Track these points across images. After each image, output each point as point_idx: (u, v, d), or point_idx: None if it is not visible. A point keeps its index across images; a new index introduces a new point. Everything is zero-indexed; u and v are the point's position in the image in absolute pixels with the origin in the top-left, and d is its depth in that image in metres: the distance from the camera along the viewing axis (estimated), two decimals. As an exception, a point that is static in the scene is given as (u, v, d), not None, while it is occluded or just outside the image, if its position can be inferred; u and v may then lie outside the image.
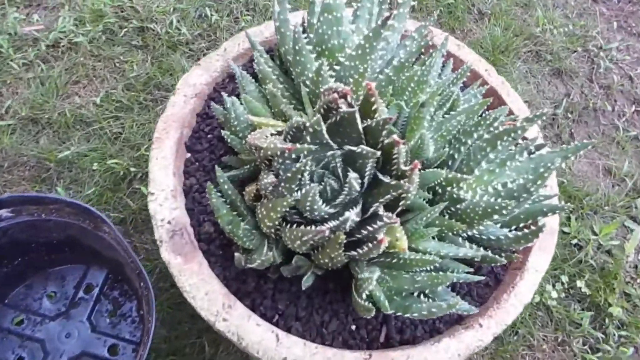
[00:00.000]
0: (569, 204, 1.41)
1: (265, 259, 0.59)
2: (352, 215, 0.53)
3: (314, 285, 0.69)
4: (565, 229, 1.38)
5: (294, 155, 0.54)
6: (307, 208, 0.54)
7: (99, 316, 1.12)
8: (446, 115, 0.63)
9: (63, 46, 1.48)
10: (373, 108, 0.56)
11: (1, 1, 1.51)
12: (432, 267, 0.58)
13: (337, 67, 0.67)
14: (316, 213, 0.55)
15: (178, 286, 0.64)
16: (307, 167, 0.55)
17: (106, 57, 1.49)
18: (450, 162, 0.63)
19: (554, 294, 1.28)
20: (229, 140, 0.69)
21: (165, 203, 0.69)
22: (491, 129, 0.60)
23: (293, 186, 0.54)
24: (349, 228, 0.55)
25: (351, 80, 0.63)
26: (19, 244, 1.01)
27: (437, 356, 0.62)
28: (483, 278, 0.64)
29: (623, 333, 1.26)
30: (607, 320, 1.27)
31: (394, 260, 0.58)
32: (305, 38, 0.66)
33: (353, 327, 0.67)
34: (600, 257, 1.36)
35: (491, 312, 0.66)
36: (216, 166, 0.62)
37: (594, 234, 1.39)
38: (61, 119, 1.36)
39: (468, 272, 0.63)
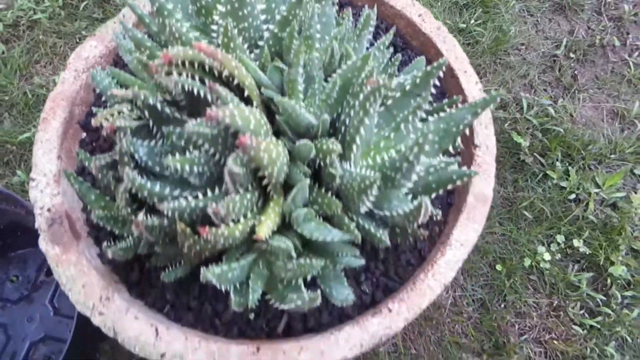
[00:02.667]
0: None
1: (114, 252, 0.52)
2: (193, 204, 0.45)
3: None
4: (563, 183, 1.24)
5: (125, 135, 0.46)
6: (139, 193, 0.47)
7: (61, 299, 1.11)
8: (330, 77, 0.53)
9: (23, 25, 1.44)
10: (225, 74, 0.46)
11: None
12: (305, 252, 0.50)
13: (214, 27, 0.57)
14: (148, 198, 0.47)
15: (54, 274, 0.60)
16: (128, 147, 0.47)
17: (67, 33, 1.44)
18: (343, 130, 0.53)
19: (547, 256, 1.16)
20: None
21: (46, 189, 0.63)
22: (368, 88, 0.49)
23: (127, 169, 0.47)
24: (196, 214, 0.47)
25: (220, 42, 0.53)
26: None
27: (335, 347, 0.55)
28: (362, 263, 0.55)
29: (628, 294, 1.14)
30: (609, 281, 1.15)
31: (265, 247, 0.50)
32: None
33: (251, 317, 0.60)
34: (603, 211, 1.22)
35: (403, 294, 0.57)
36: (79, 149, 0.55)
37: (597, 186, 1.24)
38: (22, 100, 1.33)
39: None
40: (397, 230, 0.56)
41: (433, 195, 0.54)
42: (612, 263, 1.16)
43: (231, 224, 0.46)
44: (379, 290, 0.61)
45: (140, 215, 0.47)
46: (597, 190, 1.23)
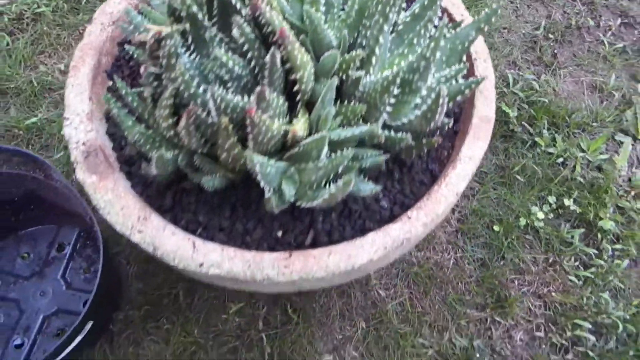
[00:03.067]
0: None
1: (158, 158, 0.56)
2: (236, 99, 0.50)
3: (238, 195, 0.66)
4: (550, 150, 1.32)
5: (174, 42, 0.51)
6: (185, 94, 0.51)
7: (73, 273, 1.13)
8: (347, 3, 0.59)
9: (27, 17, 1.48)
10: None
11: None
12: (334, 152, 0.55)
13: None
14: (196, 98, 0.52)
15: (93, 205, 0.63)
16: (177, 49, 0.51)
17: (70, 25, 1.49)
18: (362, 47, 0.59)
19: (541, 215, 1.23)
20: (132, 53, 0.66)
21: (80, 126, 0.67)
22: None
23: (173, 74, 0.51)
24: (237, 115, 0.52)
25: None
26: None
27: (361, 250, 0.59)
28: (387, 156, 0.60)
29: (617, 247, 1.20)
30: (599, 236, 1.21)
31: (297, 150, 0.55)
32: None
33: (279, 234, 0.65)
34: (589, 173, 1.29)
35: (421, 203, 0.62)
36: (115, 76, 0.60)
37: (582, 151, 1.32)
38: (28, 88, 1.36)
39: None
40: (411, 144, 0.61)
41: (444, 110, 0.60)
42: (601, 219, 1.23)
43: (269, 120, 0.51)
44: (397, 206, 0.66)
45: (190, 108, 0.50)
46: (582, 154, 1.31)
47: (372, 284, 1.15)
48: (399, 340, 1.09)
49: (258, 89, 0.48)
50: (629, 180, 1.30)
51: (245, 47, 0.50)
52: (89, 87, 0.71)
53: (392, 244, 0.60)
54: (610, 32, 1.53)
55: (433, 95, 0.52)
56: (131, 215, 0.62)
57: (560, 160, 1.30)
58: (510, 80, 1.40)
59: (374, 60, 0.54)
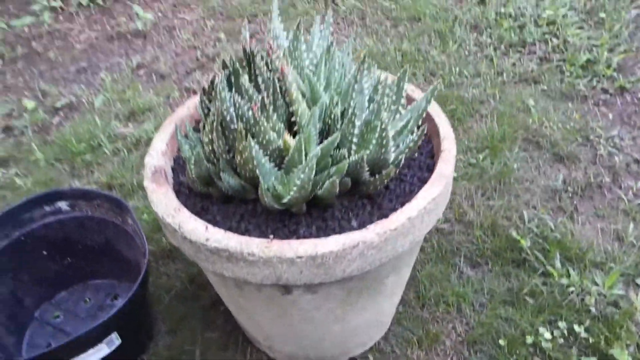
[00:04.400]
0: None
1: (196, 157, 0.82)
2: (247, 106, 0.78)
3: (247, 208, 0.90)
4: (563, 280, 1.38)
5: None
6: (223, 112, 0.80)
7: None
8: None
9: (143, 142, 1.97)
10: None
11: (109, 116, 2.09)
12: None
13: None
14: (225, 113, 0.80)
15: (149, 200, 0.89)
16: (223, 86, 0.82)
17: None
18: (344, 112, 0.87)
19: (548, 335, 1.25)
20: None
21: (155, 157, 0.98)
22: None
23: (217, 102, 0.81)
24: (251, 127, 0.79)
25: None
26: (70, 242, 1.31)
27: (325, 243, 0.77)
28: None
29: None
30: (612, 367, 1.19)
31: (288, 158, 0.79)
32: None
33: (271, 236, 0.84)
34: (604, 307, 1.31)
35: (379, 222, 0.81)
36: (187, 124, 0.91)
37: (596, 284, 1.37)
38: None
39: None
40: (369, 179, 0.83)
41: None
42: (612, 348, 1.21)
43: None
44: (364, 226, 0.85)
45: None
46: (596, 287, 1.35)
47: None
48: None
49: (259, 100, 0.76)
50: (647, 318, 1.29)
51: (261, 83, 0.80)
52: (168, 139, 1.04)
53: (350, 242, 0.77)
54: (631, 192, 1.66)
55: (384, 134, 0.76)
56: (170, 207, 0.87)
57: (572, 289, 1.35)
58: (526, 218, 1.55)
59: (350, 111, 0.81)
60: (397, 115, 0.90)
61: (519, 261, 1.44)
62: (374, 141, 0.81)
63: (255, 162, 0.78)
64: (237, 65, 0.86)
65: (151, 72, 2.36)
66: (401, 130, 0.88)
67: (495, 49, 2.36)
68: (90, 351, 1.04)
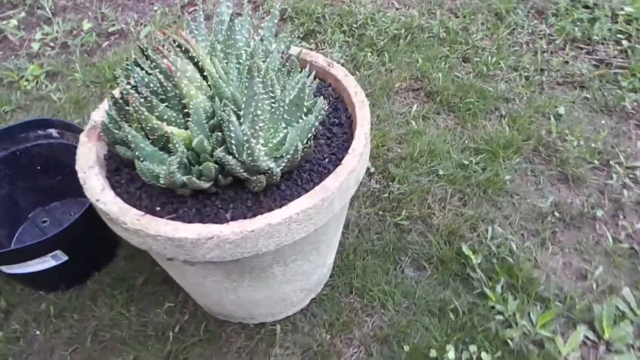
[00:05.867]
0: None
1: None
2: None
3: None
4: (498, 306, 1.35)
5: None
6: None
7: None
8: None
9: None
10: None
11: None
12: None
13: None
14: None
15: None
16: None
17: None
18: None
19: (452, 355, 1.26)
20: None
21: (101, 111, 1.12)
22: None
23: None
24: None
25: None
26: (60, 163, 1.51)
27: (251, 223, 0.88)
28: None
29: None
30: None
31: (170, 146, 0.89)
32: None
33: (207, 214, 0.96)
34: (526, 343, 1.29)
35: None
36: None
37: (528, 319, 1.33)
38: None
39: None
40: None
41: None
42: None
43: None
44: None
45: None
46: (526, 322, 1.32)
47: None
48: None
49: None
50: (566, 367, 1.25)
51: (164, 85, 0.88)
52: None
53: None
54: (624, 233, 1.53)
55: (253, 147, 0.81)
56: (86, 163, 1.01)
57: (500, 318, 1.33)
58: (489, 234, 1.50)
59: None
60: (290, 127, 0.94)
61: (463, 276, 1.43)
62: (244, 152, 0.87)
63: (133, 145, 0.87)
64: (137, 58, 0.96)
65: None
66: (278, 146, 0.94)
67: (550, 42, 2.14)
68: (36, 260, 1.25)
